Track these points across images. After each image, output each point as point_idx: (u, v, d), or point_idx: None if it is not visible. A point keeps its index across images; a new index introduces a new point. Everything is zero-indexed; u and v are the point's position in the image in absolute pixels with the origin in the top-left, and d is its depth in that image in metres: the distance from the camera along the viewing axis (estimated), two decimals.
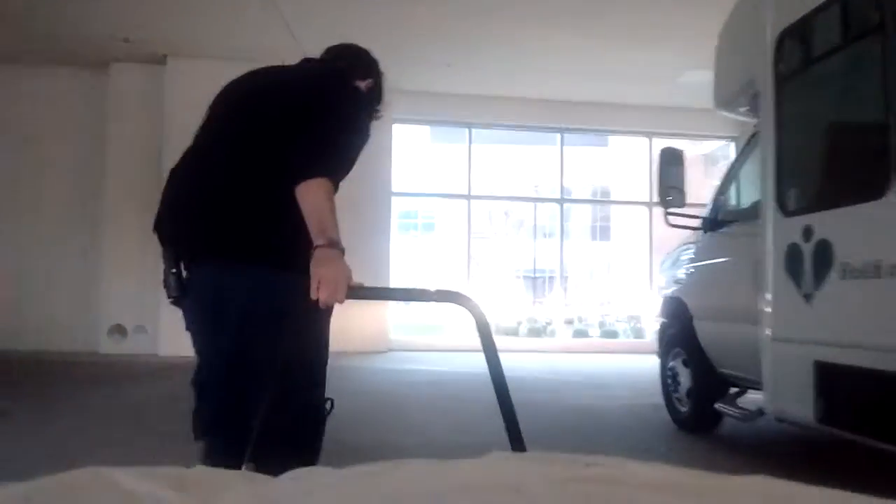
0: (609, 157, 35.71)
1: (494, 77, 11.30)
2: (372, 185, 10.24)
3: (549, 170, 21.08)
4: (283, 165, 2.02)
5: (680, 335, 5.48)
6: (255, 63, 2.53)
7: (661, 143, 15.61)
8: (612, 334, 16.89)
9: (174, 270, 2.19)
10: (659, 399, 6.59)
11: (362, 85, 2.44)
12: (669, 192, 4.87)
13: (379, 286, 3.02)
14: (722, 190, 5.13)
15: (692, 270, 5.40)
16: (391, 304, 11.34)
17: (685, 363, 5.38)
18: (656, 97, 12.02)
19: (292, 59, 2.56)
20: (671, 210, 4.94)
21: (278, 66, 2.48)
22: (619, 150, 35.50)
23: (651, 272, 13.38)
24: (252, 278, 2.10)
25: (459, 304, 1.94)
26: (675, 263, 5.78)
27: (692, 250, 5.44)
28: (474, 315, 1.89)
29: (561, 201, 13.08)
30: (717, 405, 4.87)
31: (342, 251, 1.96)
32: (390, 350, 11.24)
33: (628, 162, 33.52)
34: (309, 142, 2.06)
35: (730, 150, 13.19)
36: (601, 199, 36.82)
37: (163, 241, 2.25)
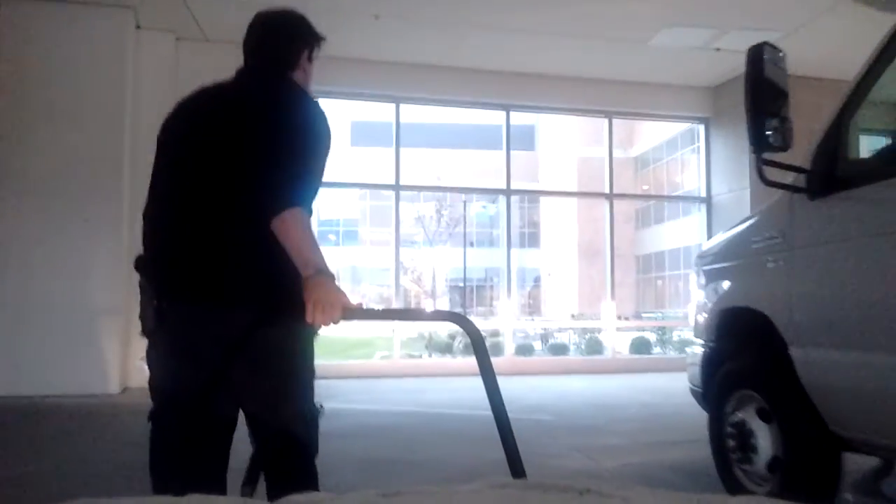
0: (537, 161, 34.31)
1: (429, 41, 9.22)
2: None
3: (483, 171, 19.19)
4: (250, 200, 1.99)
5: (753, 371, 3.42)
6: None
7: (621, 124, 13.79)
8: (561, 350, 15.04)
9: (154, 303, 2.12)
10: (684, 454, 4.78)
11: (301, 60, 2.33)
12: (766, 125, 2.75)
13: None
14: (837, 133, 3.01)
15: (781, 264, 3.27)
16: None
17: (763, 415, 3.31)
18: (620, 70, 10.16)
19: None
20: (768, 157, 2.80)
21: (221, 85, 2.25)
22: (547, 155, 34.19)
23: (611, 276, 11.49)
24: (229, 320, 2.00)
25: (457, 324, 2.00)
26: (740, 254, 3.64)
27: (776, 230, 3.34)
28: (471, 335, 1.87)
29: (508, 193, 10.95)
30: (850, 498, 2.79)
31: (332, 276, 1.97)
32: None
33: (559, 161, 32.14)
34: (274, 175, 1.99)
35: (699, 134, 11.40)
36: (557, 192, 34.77)
37: (147, 278, 2.19)
